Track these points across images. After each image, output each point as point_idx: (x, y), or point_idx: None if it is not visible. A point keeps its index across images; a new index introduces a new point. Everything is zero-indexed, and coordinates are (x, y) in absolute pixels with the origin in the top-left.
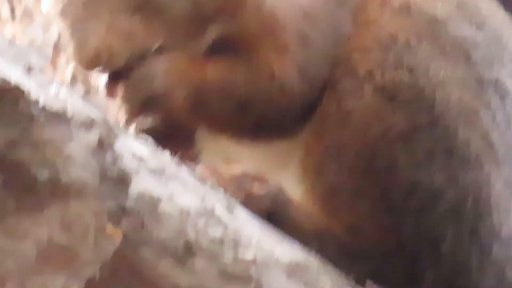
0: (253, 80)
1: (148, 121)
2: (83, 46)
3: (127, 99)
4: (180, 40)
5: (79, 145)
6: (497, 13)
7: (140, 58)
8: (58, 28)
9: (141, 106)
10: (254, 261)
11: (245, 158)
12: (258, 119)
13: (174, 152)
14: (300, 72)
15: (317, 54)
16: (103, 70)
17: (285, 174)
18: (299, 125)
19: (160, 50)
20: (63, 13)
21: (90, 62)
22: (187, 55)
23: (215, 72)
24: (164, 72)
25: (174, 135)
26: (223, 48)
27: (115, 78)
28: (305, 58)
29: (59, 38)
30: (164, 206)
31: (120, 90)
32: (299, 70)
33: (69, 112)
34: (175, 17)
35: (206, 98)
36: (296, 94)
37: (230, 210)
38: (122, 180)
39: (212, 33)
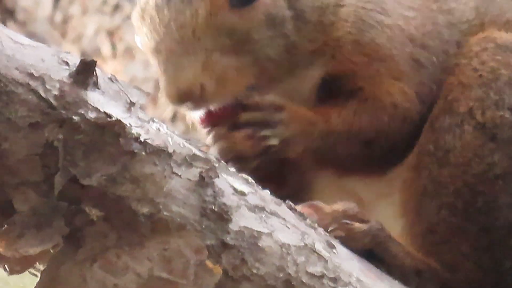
0: (379, 116)
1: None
2: (176, 81)
3: (246, 146)
4: (275, 82)
5: (179, 181)
6: None
7: (232, 97)
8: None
9: (259, 155)
10: None
11: (346, 194)
12: (381, 153)
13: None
14: (417, 95)
15: (429, 76)
16: (192, 107)
17: (384, 210)
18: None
19: (254, 90)
20: (157, 48)
21: (180, 97)
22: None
23: (339, 120)
24: (288, 120)
25: (284, 177)
26: (335, 91)
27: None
28: (420, 81)
29: None
30: (264, 242)
31: (241, 118)
32: (416, 93)
33: (170, 148)
34: (269, 59)
35: (332, 146)
36: (415, 119)
37: (330, 246)
38: (222, 216)
39: (312, 75)
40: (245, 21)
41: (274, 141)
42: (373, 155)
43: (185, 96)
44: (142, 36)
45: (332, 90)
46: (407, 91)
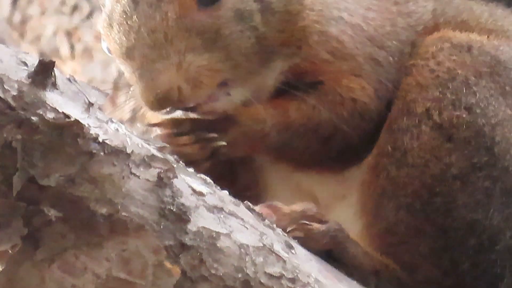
0: (337, 110)
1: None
2: (153, 86)
3: (196, 149)
4: (243, 74)
5: (138, 181)
6: None
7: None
8: (118, 66)
9: (211, 156)
10: None
11: (305, 193)
12: (340, 149)
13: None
14: (376, 93)
15: (386, 75)
16: (171, 110)
17: (342, 210)
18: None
19: (228, 88)
20: (130, 55)
21: (159, 103)
22: (247, 95)
23: (297, 114)
24: (245, 122)
25: (228, 174)
26: (298, 82)
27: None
28: (377, 78)
29: (118, 76)
30: (222, 243)
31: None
32: (375, 90)
33: (129, 148)
34: (241, 52)
35: (290, 141)
36: (373, 116)
37: (288, 247)
38: (181, 217)
39: (279, 66)
40: (214, 19)
41: (221, 143)
42: (330, 152)
43: (164, 101)
44: (110, 43)
45: (290, 84)
46: (366, 87)
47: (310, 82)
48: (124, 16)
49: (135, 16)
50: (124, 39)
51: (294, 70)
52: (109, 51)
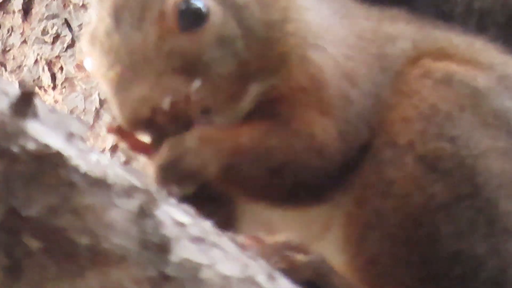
0: (291, 142)
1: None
2: (126, 105)
3: (161, 176)
4: (224, 100)
5: (120, 212)
6: None
7: (184, 117)
8: (100, 96)
9: (175, 181)
10: None
11: (284, 226)
12: (294, 184)
13: (211, 219)
14: (340, 134)
15: (357, 116)
16: (146, 131)
17: (326, 243)
18: (336, 191)
19: (205, 110)
20: (107, 74)
21: (133, 122)
22: (224, 120)
23: (248, 137)
24: (196, 146)
25: (211, 203)
26: (264, 110)
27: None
28: (346, 119)
29: (100, 106)
30: (205, 274)
31: (154, 165)
32: (339, 131)
33: (110, 179)
34: (220, 77)
35: (239, 165)
36: (334, 157)
37: (271, 279)
38: (163, 247)
39: (253, 93)
40: (195, 44)
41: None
42: (282, 186)
43: (137, 120)
44: (91, 62)
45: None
46: (329, 127)
47: (273, 111)
48: (106, 35)
49: (115, 35)
50: (104, 57)
51: (268, 93)
52: (92, 69)
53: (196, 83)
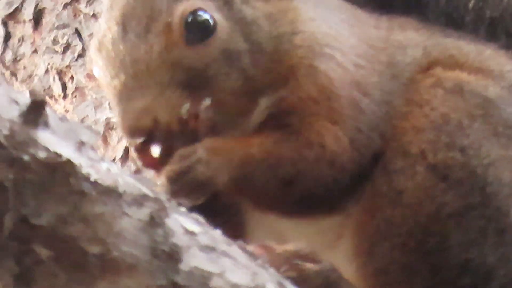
0: (302, 152)
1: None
2: (128, 114)
3: (170, 186)
4: (232, 116)
5: (130, 221)
6: None
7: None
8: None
9: (185, 192)
10: None
11: (294, 235)
12: (305, 195)
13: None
14: (351, 143)
15: (368, 124)
16: (147, 142)
17: (336, 252)
18: (347, 201)
19: (213, 125)
20: (112, 82)
21: (132, 131)
22: (233, 133)
23: (258, 147)
24: (206, 156)
25: (222, 214)
26: (275, 122)
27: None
28: (357, 128)
29: (111, 116)
30: (215, 283)
31: (164, 176)
32: (350, 140)
33: (121, 188)
34: (226, 93)
35: (250, 175)
36: (346, 166)
37: (281, 287)
38: (173, 256)
39: (262, 107)
40: (201, 57)
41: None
42: (292, 196)
43: (137, 130)
44: (98, 68)
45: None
46: (340, 136)
47: (283, 122)
48: (112, 43)
49: (121, 45)
50: (109, 66)
51: (277, 105)
52: (99, 76)
53: (206, 101)
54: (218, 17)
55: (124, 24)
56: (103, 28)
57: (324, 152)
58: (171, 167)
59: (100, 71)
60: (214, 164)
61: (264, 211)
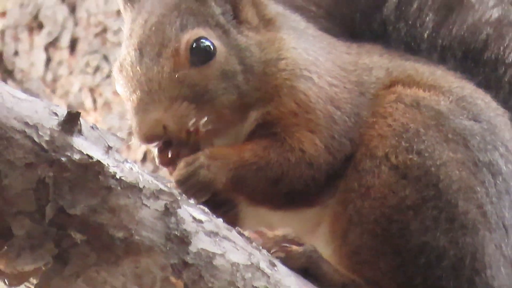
0: (286, 156)
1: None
2: (143, 123)
3: (180, 188)
4: (226, 125)
5: (148, 211)
6: (491, 105)
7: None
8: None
9: (191, 192)
10: None
11: (281, 223)
12: (289, 191)
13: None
14: (326, 148)
15: (341, 133)
16: (160, 147)
17: (316, 236)
18: (325, 195)
19: (211, 132)
20: (130, 97)
21: (146, 137)
22: (228, 141)
23: (250, 153)
24: (207, 162)
25: (223, 206)
26: (262, 131)
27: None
28: (331, 136)
29: None
30: (218, 261)
31: (173, 179)
32: (326, 146)
33: (141, 184)
34: (223, 105)
35: (244, 176)
36: (322, 167)
37: (272, 265)
38: (183, 240)
39: (252, 118)
40: (203, 76)
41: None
42: (279, 193)
43: (150, 136)
44: (119, 85)
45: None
46: (317, 143)
47: (270, 132)
48: (131, 65)
49: (138, 66)
50: (128, 84)
51: (264, 117)
52: (120, 92)
53: (202, 108)
54: (218, 43)
55: (141, 50)
56: (124, 53)
57: (303, 156)
58: (178, 172)
59: (121, 88)
60: (214, 168)
61: (256, 205)
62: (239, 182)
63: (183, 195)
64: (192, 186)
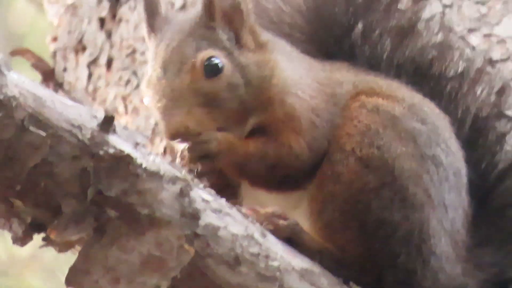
0: (279, 150)
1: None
2: (169, 125)
3: (189, 153)
4: (232, 125)
5: (167, 193)
6: (434, 110)
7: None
8: (154, 119)
9: (198, 159)
10: (278, 268)
11: (271, 202)
12: (281, 177)
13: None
14: (308, 146)
15: (320, 135)
16: (181, 141)
17: (298, 213)
18: (307, 181)
19: (219, 129)
20: (158, 104)
21: (172, 135)
22: (236, 135)
23: (254, 146)
24: (218, 141)
25: (225, 189)
26: (258, 131)
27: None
28: (313, 137)
29: (155, 125)
30: (221, 233)
31: (187, 146)
32: (308, 145)
33: (161, 172)
34: (228, 110)
35: (248, 162)
36: (306, 160)
37: (263, 235)
38: (194, 216)
39: (251, 122)
40: (214, 86)
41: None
42: (275, 177)
43: (175, 134)
44: (148, 97)
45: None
46: (301, 142)
47: (266, 132)
48: (157, 79)
49: (163, 80)
50: (156, 94)
51: (259, 123)
52: (147, 103)
53: (214, 111)
54: (225, 61)
55: (165, 68)
56: (150, 71)
57: (291, 150)
58: (196, 138)
59: (149, 99)
60: (223, 148)
61: (256, 187)
62: (244, 168)
63: (195, 180)
64: (199, 151)
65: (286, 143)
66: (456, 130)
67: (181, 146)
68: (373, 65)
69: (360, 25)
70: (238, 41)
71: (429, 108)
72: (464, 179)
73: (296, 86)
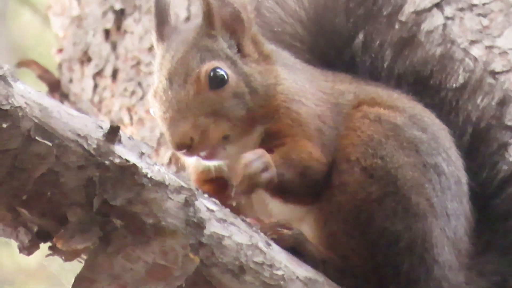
0: (301, 155)
1: None
2: (175, 136)
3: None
4: (238, 134)
5: (172, 203)
6: (435, 121)
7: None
8: (160, 129)
9: (250, 188)
10: (282, 277)
11: (277, 213)
12: (313, 184)
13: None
14: (322, 151)
15: (327, 141)
16: (187, 152)
17: (303, 223)
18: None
19: (227, 142)
20: (164, 115)
21: (177, 146)
22: (238, 149)
23: (279, 157)
24: (270, 164)
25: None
26: (267, 141)
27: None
28: (322, 143)
29: (160, 136)
30: (226, 242)
31: (235, 180)
32: (321, 149)
33: (167, 182)
34: (236, 119)
35: (283, 174)
36: (326, 163)
37: (268, 245)
38: (199, 225)
39: (258, 130)
40: (219, 97)
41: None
42: (308, 182)
43: (180, 145)
44: (154, 108)
45: (264, 141)
46: (316, 148)
47: (278, 140)
48: (163, 91)
49: (169, 92)
50: (162, 105)
51: (267, 132)
52: (154, 113)
53: (219, 121)
54: (229, 72)
55: (170, 79)
56: (156, 82)
57: (312, 155)
58: (250, 169)
59: (155, 110)
60: (273, 170)
61: (291, 202)
62: (282, 180)
63: (199, 190)
64: (254, 184)
65: (305, 149)
66: (457, 139)
67: (198, 164)
68: (374, 75)
69: (360, 36)
70: (240, 50)
71: (430, 118)
72: (465, 187)
73: (300, 94)
